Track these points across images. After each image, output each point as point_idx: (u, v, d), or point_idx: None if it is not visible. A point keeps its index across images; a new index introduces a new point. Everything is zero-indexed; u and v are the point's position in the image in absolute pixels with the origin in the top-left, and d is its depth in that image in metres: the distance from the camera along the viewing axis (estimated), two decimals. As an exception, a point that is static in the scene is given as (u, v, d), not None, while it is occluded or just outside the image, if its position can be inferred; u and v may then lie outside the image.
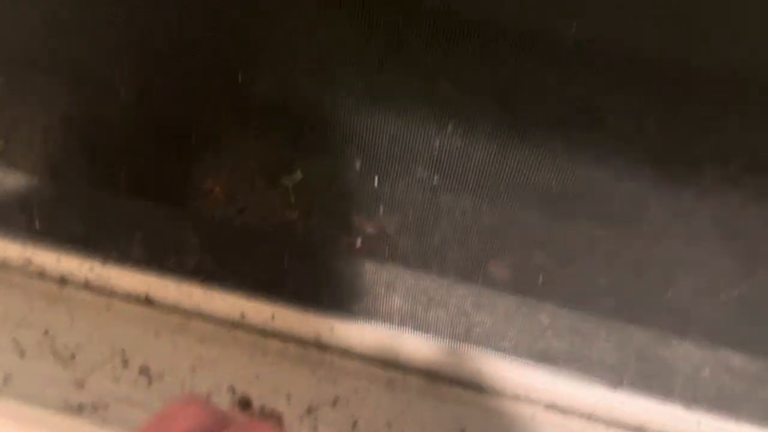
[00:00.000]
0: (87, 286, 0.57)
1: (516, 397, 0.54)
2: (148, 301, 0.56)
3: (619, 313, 0.57)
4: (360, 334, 0.55)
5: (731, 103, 0.47)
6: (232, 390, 0.52)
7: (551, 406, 0.54)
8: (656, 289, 0.55)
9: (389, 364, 0.55)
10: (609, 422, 0.54)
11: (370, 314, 0.57)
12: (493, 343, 0.57)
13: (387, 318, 0.57)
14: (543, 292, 0.57)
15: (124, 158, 0.61)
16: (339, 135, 0.54)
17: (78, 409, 0.50)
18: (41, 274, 0.57)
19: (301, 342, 0.55)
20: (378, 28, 0.51)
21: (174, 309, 0.56)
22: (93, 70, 0.58)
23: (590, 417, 0.54)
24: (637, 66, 0.45)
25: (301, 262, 0.60)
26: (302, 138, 0.59)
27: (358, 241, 0.58)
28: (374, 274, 0.58)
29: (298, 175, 0.60)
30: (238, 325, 0.55)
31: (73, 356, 0.52)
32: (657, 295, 0.55)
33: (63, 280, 0.57)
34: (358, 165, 0.55)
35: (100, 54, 0.57)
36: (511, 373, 0.55)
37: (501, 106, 0.51)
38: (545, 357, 0.56)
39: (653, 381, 0.56)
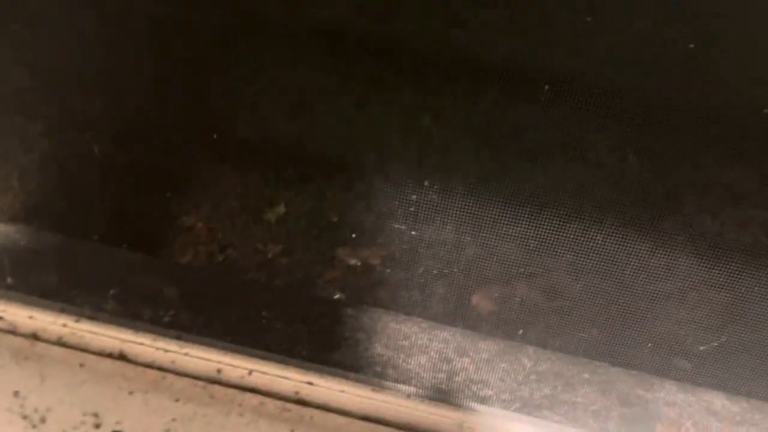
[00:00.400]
0: (60, 342, 0.56)
1: (499, 451, 0.53)
2: (122, 356, 0.55)
3: (601, 355, 0.57)
4: (340, 387, 0.54)
5: (710, 139, 0.47)
6: (208, 451, 0.50)
7: (535, 459, 0.54)
8: (639, 329, 0.55)
9: (370, 419, 0.54)
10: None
11: (350, 366, 0.56)
12: (476, 391, 0.56)
13: (368, 369, 0.56)
14: (525, 335, 0.57)
15: (103, 204, 0.60)
16: (322, 168, 0.54)
17: (48, 476, 0.49)
18: (12, 331, 0.56)
19: (279, 397, 0.54)
20: (358, 68, 0.51)
21: (149, 365, 0.55)
22: (69, 116, 0.57)
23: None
24: (617, 102, 0.46)
25: (279, 309, 0.59)
26: (285, 171, 0.58)
27: (339, 280, 0.58)
28: (355, 319, 0.58)
29: (281, 209, 0.59)
30: (214, 381, 0.54)
31: (43, 420, 0.50)
32: (639, 336, 0.55)
33: (35, 337, 0.56)
34: (340, 205, 0.55)
35: (76, 100, 0.57)
36: (494, 426, 0.54)
37: (482, 143, 0.51)
38: (528, 405, 0.56)
39: (637, 427, 0.56)
